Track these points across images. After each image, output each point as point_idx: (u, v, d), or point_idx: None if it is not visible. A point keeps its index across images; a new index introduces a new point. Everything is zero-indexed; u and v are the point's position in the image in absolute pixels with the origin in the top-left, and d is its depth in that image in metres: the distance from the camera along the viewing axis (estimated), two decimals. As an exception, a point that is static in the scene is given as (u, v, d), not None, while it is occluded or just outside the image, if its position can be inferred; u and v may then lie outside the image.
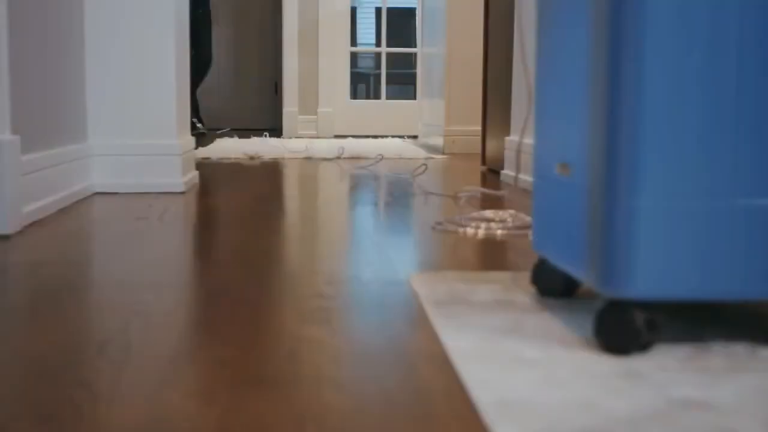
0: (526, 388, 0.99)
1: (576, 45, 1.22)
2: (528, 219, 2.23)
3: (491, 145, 3.83)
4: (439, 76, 4.99)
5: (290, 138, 6.30)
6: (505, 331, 1.22)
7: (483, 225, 2.14)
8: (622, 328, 1.10)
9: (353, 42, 6.97)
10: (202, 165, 4.00)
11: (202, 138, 6.10)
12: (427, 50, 5.45)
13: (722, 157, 1.10)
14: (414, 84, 6.98)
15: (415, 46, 7.06)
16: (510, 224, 2.14)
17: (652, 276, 1.10)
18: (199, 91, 6.47)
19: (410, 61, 7.49)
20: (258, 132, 6.79)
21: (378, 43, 7.04)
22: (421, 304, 1.40)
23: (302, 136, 6.51)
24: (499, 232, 2.11)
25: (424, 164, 3.75)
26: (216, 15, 7.20)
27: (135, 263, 1.72)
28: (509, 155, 3.40)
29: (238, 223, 2.25)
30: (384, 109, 6.68)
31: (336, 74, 6.62)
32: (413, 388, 1.01)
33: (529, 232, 2.10)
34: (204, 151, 4.58)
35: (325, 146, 5.15)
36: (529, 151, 3.08)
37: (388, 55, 6.97)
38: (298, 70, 6.52)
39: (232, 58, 7.63)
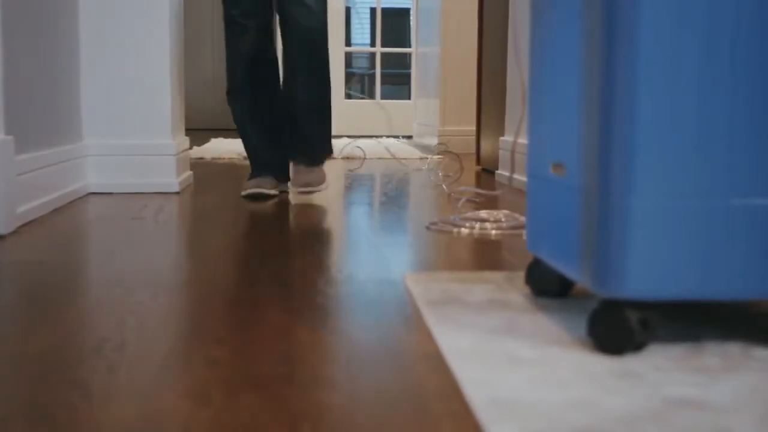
0: (521, 387, 0.99)
1: (570, 44, 1.22)
2: (522, 219, 2.23)
3: (486, 145, 3.83)
4: (434, 76, 4.99)
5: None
6: (499, 331, 1.22)
7: (477, 225, 2.14)
8: (617, 328, 1.11)
9: (347, 42, 6.97)
10: (196, 165, 3.99)
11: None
12: (422, 50, 5.45)
13: (717, 157, 1.10)
14: (408, 84, 6.98)
15: (410, 46, 7.06)
16: (504, 224, 2.15)
17: (646, 276, 1.10)
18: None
19: (405, 60, 7.49)
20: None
21: (373, 43, 7.04)
22: (415, 303, 1.40)
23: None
24: (493, 232, 2.11)
25: (427, 157, 3.76)
26: (212, 16, 7.20)
27: (130, 263, 1.72)
28: (504, 155, 3.40)
29: (233, 223, 2.24)
30: (379, 109, 6.68)
31: (332, 74, 6.62)
32: (408, 387, 1.01)
33: (524, 232, 2.10)
34: (198, 151, 4.57)
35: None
36: (523, 151, 3.08)
37: (383, 54, 6.97)
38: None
39: (227, 58, 7.62)
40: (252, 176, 2.84)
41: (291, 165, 2.83)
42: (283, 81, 2.78)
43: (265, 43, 2.78)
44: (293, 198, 2.77)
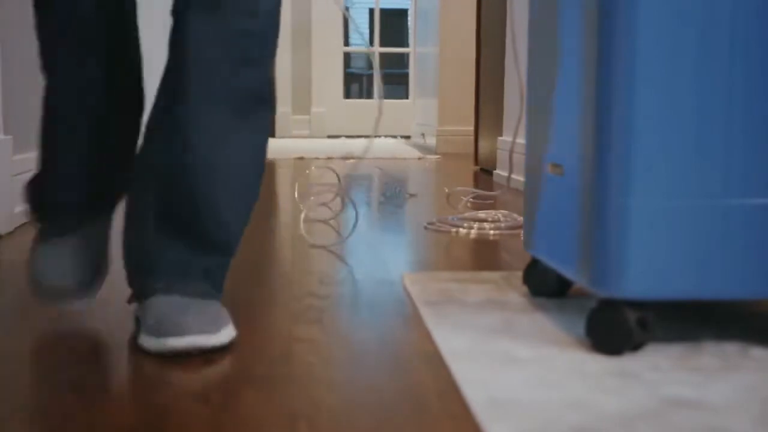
0: (519, 387, 0.99)
1: (568, 43, 1.22)
2: (520, 219, 2.23)
3: (484, 145, 3.83)
4: (432, 76, 5.00)
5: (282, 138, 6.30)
6: (497, 331, 1.22)
7: (475, 225, 2.14)
8: (615, 328, 1.11)
9: (346, 42, 6.97)
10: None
11: None
12: (420, 50, 5.45)
13: (714, 157, 1.10)
14: (407, 84, 6.98)
15: (408, 46, 7.07)
16: (502, 224, 2.15)
17: (644, 275, 1.10)
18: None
19: (403, 61, 7.49)
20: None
21: (371, 43, 7.04)
22: (413, 303, 1.40)
23: (296, 137, 6.51)
24: (491, 232, 2.11)
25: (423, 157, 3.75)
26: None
27: (127, 263, 1.72)
28: (502, 155, 3.40)
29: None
30: (377, 109, 6.68)
31: (329, 74, 6.62)
32: (406, 387, 1.01)
33: (522, 232, 2.10)
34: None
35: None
36: (521, 151, 3.08)
37: (382, 55, 6.97)
38: (290, 71, 6.52)
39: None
40: (45, 234, 1.33)
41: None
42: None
43: None
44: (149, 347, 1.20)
